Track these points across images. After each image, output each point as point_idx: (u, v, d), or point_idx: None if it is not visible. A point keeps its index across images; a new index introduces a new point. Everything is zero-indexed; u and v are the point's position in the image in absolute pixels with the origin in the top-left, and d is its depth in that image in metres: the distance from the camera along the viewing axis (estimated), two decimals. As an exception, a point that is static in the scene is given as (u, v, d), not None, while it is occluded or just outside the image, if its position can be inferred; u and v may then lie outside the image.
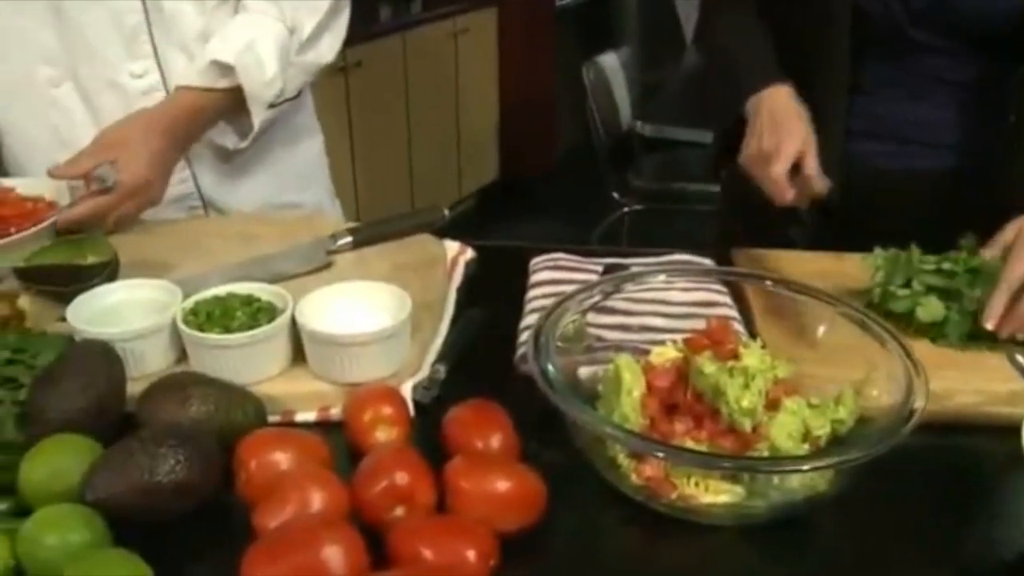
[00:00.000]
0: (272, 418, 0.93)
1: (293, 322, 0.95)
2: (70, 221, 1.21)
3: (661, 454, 0.77)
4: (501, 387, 0.95)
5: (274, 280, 1.10)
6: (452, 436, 0.84)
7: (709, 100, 1.53)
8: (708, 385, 0.83)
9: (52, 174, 1.24)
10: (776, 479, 0.79)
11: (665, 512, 0.80)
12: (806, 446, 0.83)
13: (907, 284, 1.06)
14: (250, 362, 0.93)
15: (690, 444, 0.82)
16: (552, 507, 0.79)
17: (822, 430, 0.84)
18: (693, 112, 3.94)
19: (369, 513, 0.76)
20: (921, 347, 0.97)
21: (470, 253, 1.28)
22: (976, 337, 1.01)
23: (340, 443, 0.89)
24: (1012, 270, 0.99)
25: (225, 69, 1.29)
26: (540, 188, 4.80)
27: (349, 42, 1.50)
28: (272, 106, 1.36)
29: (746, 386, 0.82)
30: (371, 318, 0.97)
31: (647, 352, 0.95)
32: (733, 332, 0.88)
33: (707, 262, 1.24)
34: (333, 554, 0.68)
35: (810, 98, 1.20)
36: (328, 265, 1.18)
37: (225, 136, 1.39)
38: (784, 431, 0.81)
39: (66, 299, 1.03)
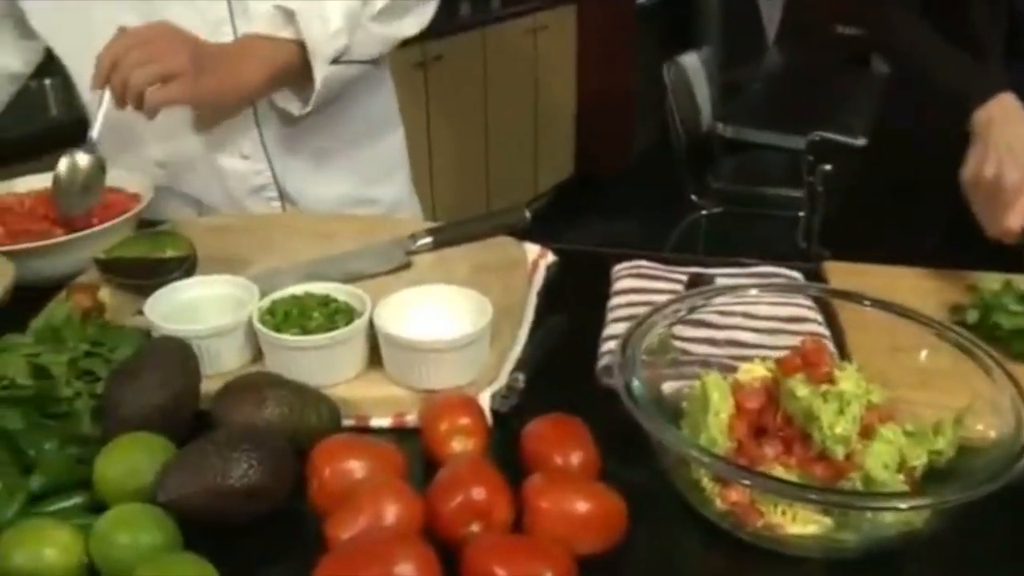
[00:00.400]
0: (346, 422, 0.91)
1: (370, 325, 0.93)
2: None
3: (747, 482, 0.74)
4: (581, 398, 0.92)
5: (351, 279, 1.09)
6: (531, 451, 0.81)
7: (926, 101, 1.43)
8: (800, 409, 0.79)
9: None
10: (869, 513, 0.74)
11: (750, 540, 0.77)
12: (901, 477, 0.78)
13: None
14: (326, 364, 0.91)
15: (779, 470, 0.78)
16: (632, 529, 0.76)
17: (919, 460, 0.79)
18: (774, 114, 3.87)
19: (444, 528, 0.74)
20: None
21: (551, 257, 1.25)
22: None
23: (415, 451, 0.87)
24: None
25: (288, 16, 1.26)
26: (616, 187, 4.75)
27: (429, 36, 1.49)
28: (335, 63, 1.30)
29: (840, 412, 0.78)
30: (450, 324, 0.94)
31: (734, 368, 0.92)
32: (828, 354, 0.84)
33: (795, 275, 1.20)
34: (406, 570, 0.66)
35: None
36: (407, 265, 1.16)
37: (289, 101, 1.34)
38: (879, 461, 0.77)
39: (144, 292, 1.03)
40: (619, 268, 1.20)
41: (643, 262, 1.21)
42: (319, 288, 0.98)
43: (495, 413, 0.92)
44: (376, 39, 1.36)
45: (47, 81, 2.68)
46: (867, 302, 0.94)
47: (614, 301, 1.12)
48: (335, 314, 0.94)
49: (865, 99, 3.61)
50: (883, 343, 0.95)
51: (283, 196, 1.45)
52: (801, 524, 0.75)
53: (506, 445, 0.86)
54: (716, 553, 0.78)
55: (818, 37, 4.93)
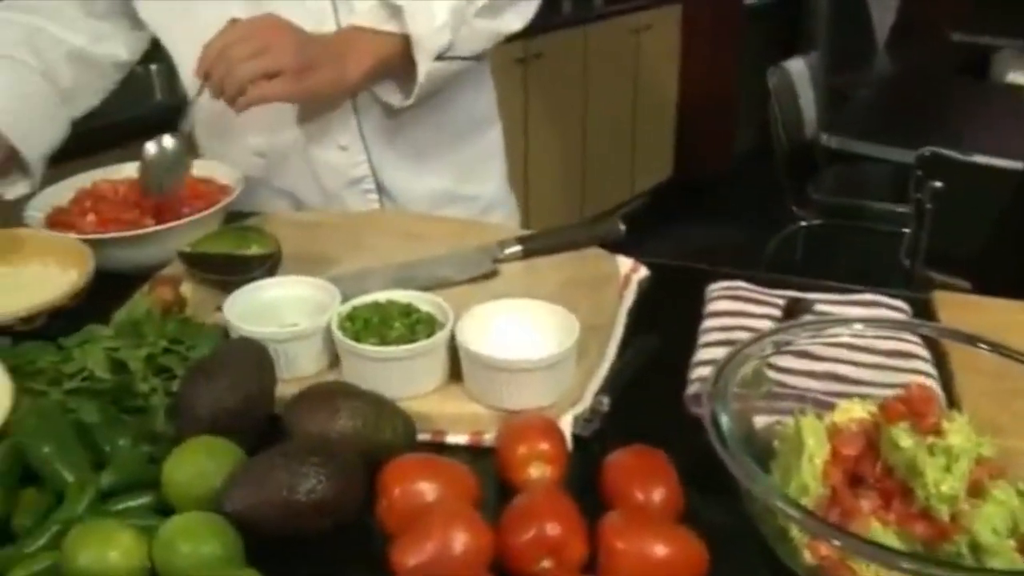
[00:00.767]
0: (422, 436, 0.88)
1: (452, 337, 0.90)
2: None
3: (839, 542, 0.68)
4: (667, 425, 0.88)
5: (436, 285, 1.06)
6: (611, 484, 0.77)
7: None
8: (903, 461, 0.73)
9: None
10: (974, 582, 0.68)
11: (839, 597, 0.72)
12: (1012, 543, 0.72)
13: None
14: (405, 377, 0.89)
15: (875, 525, 0.72)
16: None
17: (1034, 525, 0.73)
18: (882, 125, 3.73)
19: (514, 562, 0.70)
20: None
21: (643, 271, 1.20)
22: None
23: (490, 472, 0.83)
24: None
25: (394, 11, 1.24)
26: (714, 191, 4.66)
27: (531, 32, 1.46)
28: (439, 59, 1.28)
29: (947, 468, 0.72)
30: (535, 341, 0.91)
31: (831, 404, 0.86)
32: (936, 402, 0.78)
33: (902, 305, 1.13)
34: (472, 605, 0.63)
35: None
36: (494, 274, 1.13)
37: (393, 93, 1.32)
38: (988, 524, 0.70)
39: (227, 288, 1.02)
40: (714, 288, 1.15)
41: (739, 283, 1.15)
42: (402, 296, 0.96)
43: (576, 437, 0.88)
44: (480, 35, 1.33)
45: (153, 67, 2.73)
46: (984, 346, 0.87)
47: (707, 323, 1.07)
48: (416, 324, 0.91)
49: (982, 112, 3.46)
50: (997, 388, 0.88)
51: (380, 189, 1.43)
52: (896, 586, 0.69)
53: (585, 473, 0.82)
54: (802, 608, 0.73)
55: (932, 43, 4.76)
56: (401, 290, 0.97)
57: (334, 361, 0.93)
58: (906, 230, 2.93)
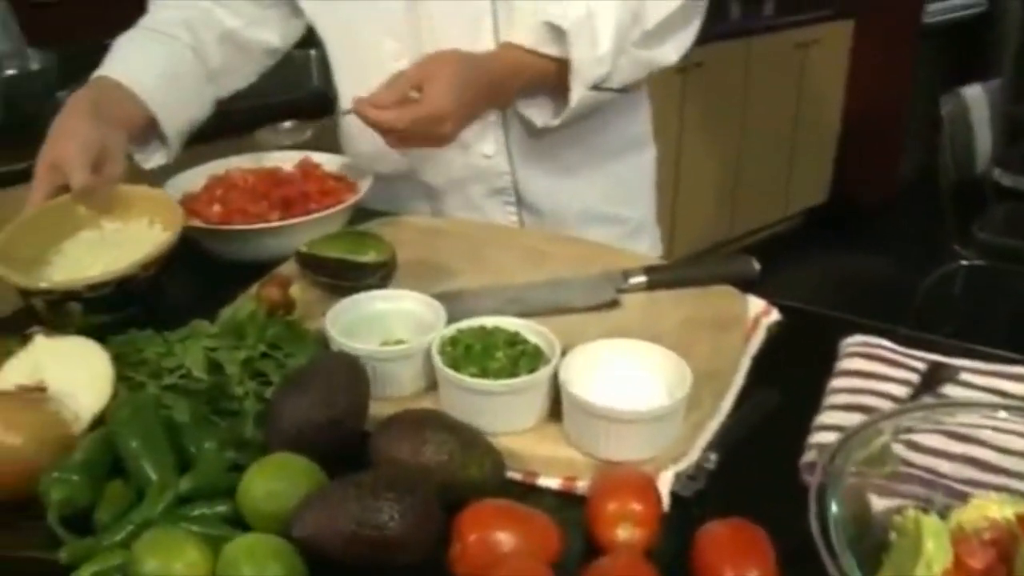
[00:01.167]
0: (513, 475, 0.84)
1: (556, 374, 0.85)
2: (367, 117, 1.13)
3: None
4: (777, 491, 0.81)
5: (552, 310, 1.02)
6: (701, 558, 0.71)
7: None
8: (1041, 582, 0.64)
9: (356, 106, 1.13)
10: None
11: None
12: None
13: None
14: (501, 412, 0.84)
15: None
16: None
17: None
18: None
19: (585, 633, 0.65)
20: None
21: (775, 315, 1.12)
22: None
23: (578, 522, 0.78)
24: None
25: (557, 35, 1.19)
26: (870, 219, 4.45)
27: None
28: (595, 88, 1.24)
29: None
30: (643, 389, 0.85)
31: (964, 496, 0.77)
32: None
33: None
34: None
35: None
36: (614, 304, 1.07)
37: (539, 111, 1.28)
38: None
39: (338, 293, 1.01)
40: (849, 343, 1.06)
41: (878, 340, 1.06)
42: (510, 324, 0.91)
43: (675, 496, 0.82)
44: (636, 65, 1.27)
45: (311, 52, 2.77)
46: None
47: (836, 383, 0.99)
48: (520, 357, 0.86)
49: None
50: None
51: (521, 202, 1.39)
52: None
53: (678, 539, 0.75)
54: None
55: None
56: (511, 316, 0.93)
57: (433, 384, 0.90)
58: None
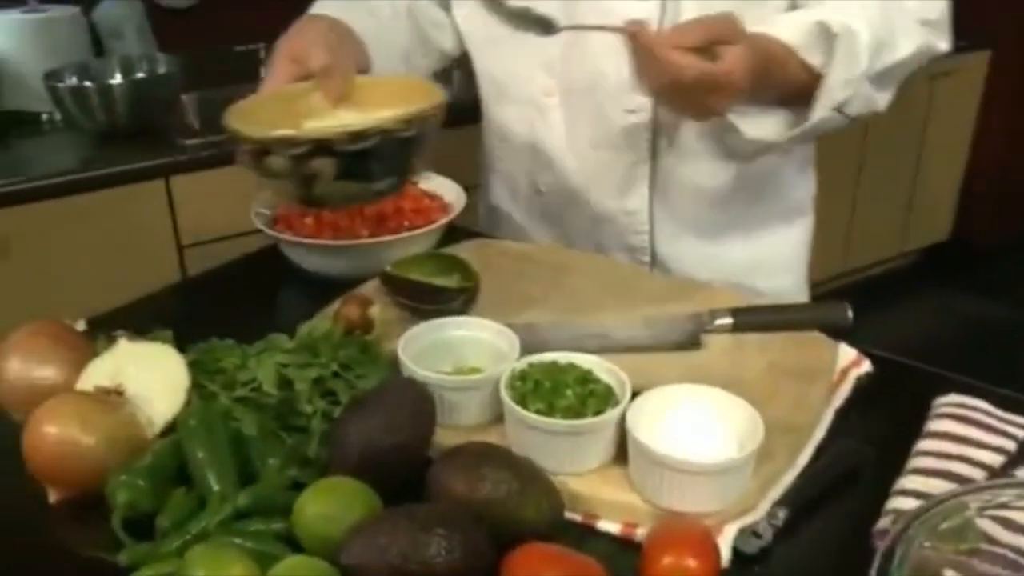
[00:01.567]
0: (573, 516, 0.82)
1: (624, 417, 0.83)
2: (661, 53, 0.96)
3: None
4: (847, 555, 0.77)
5: (631, 348, 1.00)
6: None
7: None
8: None
9: (641, 36, 0.98)
10: None
11: None
12: None
13: None
14: (565, 451, 0.83)
15: None
16: None
17: None
18: None
19: None
20: None
21: (866, 366, 1.07)
22: None
23: (634, 568, 0.76)
24: None
25: (827, 43, 1.07)
26: (991, 262, 4.26)
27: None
28: (837, 111, 1.11)
29: None
30: (712, 440, 0.82)
31: (1049, 578, 0.72)
32: None
33: None
34: None
35: None
36: (697, 345, 1.04)
37: (760, 123, 1.14)
38: None
39: (418, 315, 1.01)
40: (942, 402, 1.00)
41: (974, 402, 1.00)
42: (583, 360, 0.90)
43: (737, 552, 0.79)
44: (863, 99, 1.14)
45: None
46: None
47: (923, 444, 0.94)
48: (589, 396, 0.85)
49: None
50: None
51: (655, 264, 1.33)
52: None
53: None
54: None
55: None
56: (586, 353, 0.91)
57: (499, 415, 0.88)
58: None
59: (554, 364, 0.89)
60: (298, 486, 0.80)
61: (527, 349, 0.92)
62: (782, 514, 0.83)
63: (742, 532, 0.80)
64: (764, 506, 0.84)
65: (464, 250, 1.21)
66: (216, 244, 2.13)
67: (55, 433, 0.82)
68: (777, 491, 0.86)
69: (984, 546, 0.77)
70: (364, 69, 1.21)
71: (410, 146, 0.97)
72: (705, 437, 0.83)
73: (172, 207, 2.16)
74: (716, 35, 0.98)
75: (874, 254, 4.10)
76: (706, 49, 0.97)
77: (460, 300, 1.04)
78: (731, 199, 1.29)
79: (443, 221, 1.23)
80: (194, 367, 0.93)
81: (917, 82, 3.85)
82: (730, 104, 1.02)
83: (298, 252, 1.22)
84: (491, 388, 0.88)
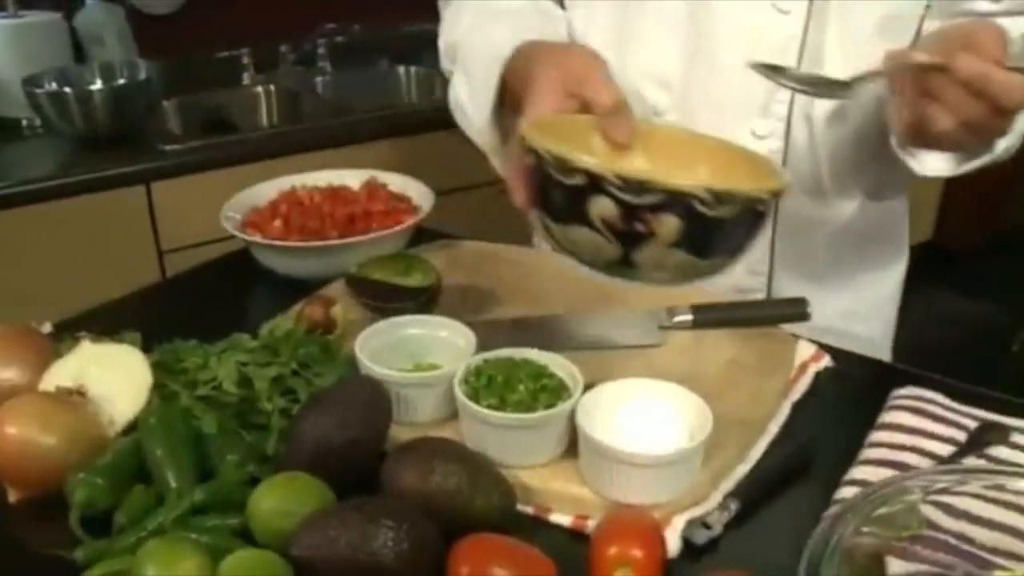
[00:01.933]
0: (526, 509, 0.84)
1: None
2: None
3: None
4: (795, 544, 0.78)
5: (589, 345, 1.01)
6: (695, 612, 0.70)
7: None
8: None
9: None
10: None
11: None
12: None
13: None
14: (516, 445, 0.84)
15: None
16: None
17: None
18: None
19: None
20: None
21: (825, 361, 1.09)
22: None
23: (582, 560, 0.77)
24: None
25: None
26: (972, 261, 4.28)
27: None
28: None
29: None
30: (661, 432, 0.84)
31: (991, 566, 0.74)
32: None
33: None
34: None
35: None
36: (657, 342, 1.06)
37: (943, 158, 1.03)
38: None
39: (380, 314, 1.02)
40: (898, 395, 1.02)
41: (930, 395, 1.01)
42: (539, 356, 0.91)
43: (687, 542, 0.81)
44: None
45: (411, 69, 2.83)
46: None
47: (875, 436, 0.95)
48: (541, 392, 0.86)
49: None
50: None
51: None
52: None
53: (684, 586, 0.75)
54: None
55: None
56: (544, 350, 0.92)
57: (455, 412, 0.90)
58: None
59: (509, 360, 0.90)
60: (256, 482, 0.81)
61: (486, 346, 0.94)
62: (733, 506, 0.84)
63: (692, 523, 0.82)
64: (716, 498, 0.85)
65: (430, 251, 1.23)
66: (197, 249, 2.14)
67: (15, 433, 0.83)
68: (729, 483, 0.88)
69: (928, 532, 0.78)
70: None
71: (759, 224, 0.78)
72: (656, 430, 0.84)
73: (152, 212, 2.17)
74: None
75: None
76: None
77: (422, 299, 1.05)
78: (834, 241, 1.24)
79: (410, 223, 1.24)
80: (158, 367, 0.94)
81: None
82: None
83: (268, 255, 1.23)
84: (446, 385, 0.89)
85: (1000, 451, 0.94)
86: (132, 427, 0.89)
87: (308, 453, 0.81)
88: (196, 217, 2.10)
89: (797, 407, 1.01)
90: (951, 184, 4.34)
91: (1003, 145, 1.00)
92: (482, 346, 0.94)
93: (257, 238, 1.21)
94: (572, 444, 0.86)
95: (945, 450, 0.93)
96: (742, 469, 0.90)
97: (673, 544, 0.79)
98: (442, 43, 1.22)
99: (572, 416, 0.84)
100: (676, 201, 0.70)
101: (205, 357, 0.94)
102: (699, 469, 0.84)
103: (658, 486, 0.81)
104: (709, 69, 1.11)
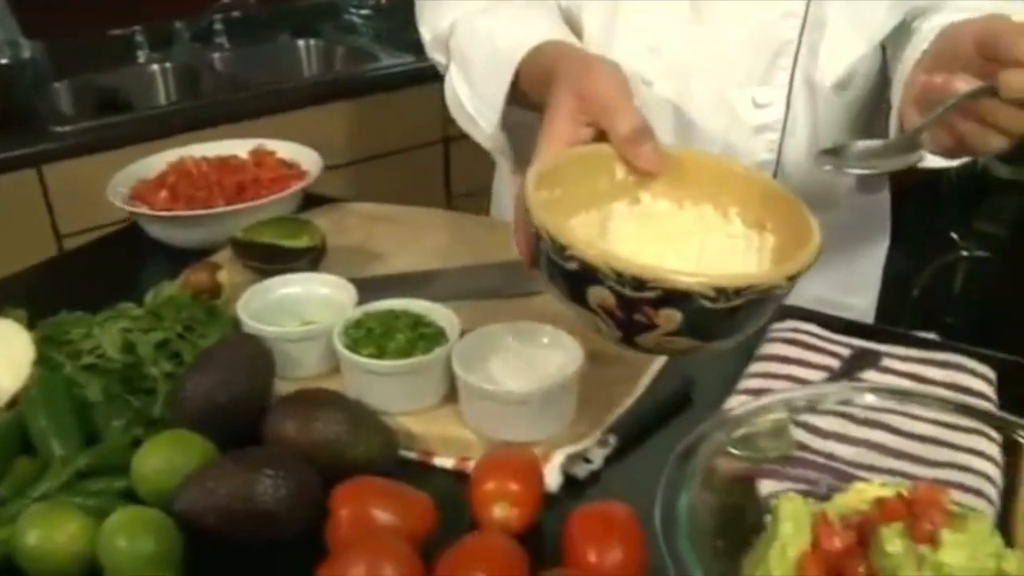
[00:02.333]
0: (409, 455, 0.86)
1: (456, 356, 0.87)
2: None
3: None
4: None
5: (471, 295, 1.03)
6: (568, 540, 0.72)
7: None
8: (887, 568, 0.64)
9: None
10: None
11: None
12: None
13: None
14: (396, 392, 0.86)
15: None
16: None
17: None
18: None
19: (439, 607, 0.66)
20: None
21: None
22: None
23: (465, 499, 0.79)
24: None
25: None
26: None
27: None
28: None
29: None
30: (536, 370, 0.86)
31: (855, 479, 0.77)
32: (942, 507, 0.67)
33: (988, 372, 0.99)
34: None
35: None
36: (538, 291, 1.08)
37: None
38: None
39: (266, 276, 1.02)
40: (775, 328, 1.06)
41: (805, 326, 1.05)
42: (419, 307, 0.93)
43: (569, 477, 0.83)
44: None
45: (311, 42, 2.81)
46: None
47: (752, 367, 0.99)
48: (419, 340, 0.88)
49: None
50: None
51: None
52: None
53: (563, 519, 0.77)
54: None
55: None
56: (425, 300, 0.94)
57: (338, 365, 0.91)
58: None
59: (389, 312, 0.92)
60: (138, 445, 0.81)
61: (368, 301, 0.95)
62: (613, 440, 0.87)
63: (573, 458, 0.84)
64: (596, 434, 0.88)
65: (317, 214, 1.23)
66: (98, 232, 2.10)
67: None
68: (610, 419, 0.90)
69: (796, 453, 0.81)
70: None
71: (773, 303, 0.71)
72: (531, 371, 0.86)
73: (47, 196, 2.12)
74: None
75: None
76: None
77: (307, 259, 1.06)
78: (836, 218, 1.17)
79: (297, 187, 1.24)
80: (44, 342, 0.94)
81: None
82: None
83: (154, 226, 1.23)
84: (327, 338, 0.90)
85: (872, 375, 0.98)
86: (15, 403, 0.88)
87: (193, 412, 0.82)
88: (94, 199, 2.05)
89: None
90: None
91: None
92: (364, 301, 0.95)
93: (144, 210, 1.20)
94: (453, 390, 0.88)
95: (818, 377, 0.97)
96: (625, 405, 0.93)
97: (553, 478, 0.82)
98: (427, 32, 1.14)
99: (450, 361, 0.86)
100: (678, 297, 0.64)
101: (89, 327, 0.94)
102: (576, 406, 0.86)
103: (532, 423, 0.83)
104: (713, 33, 1.05)
